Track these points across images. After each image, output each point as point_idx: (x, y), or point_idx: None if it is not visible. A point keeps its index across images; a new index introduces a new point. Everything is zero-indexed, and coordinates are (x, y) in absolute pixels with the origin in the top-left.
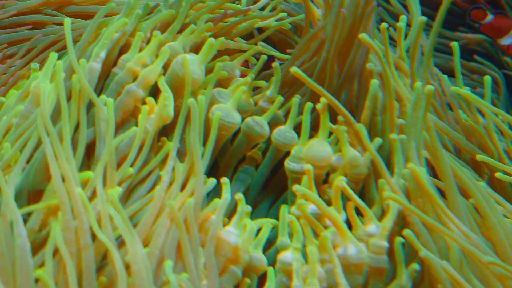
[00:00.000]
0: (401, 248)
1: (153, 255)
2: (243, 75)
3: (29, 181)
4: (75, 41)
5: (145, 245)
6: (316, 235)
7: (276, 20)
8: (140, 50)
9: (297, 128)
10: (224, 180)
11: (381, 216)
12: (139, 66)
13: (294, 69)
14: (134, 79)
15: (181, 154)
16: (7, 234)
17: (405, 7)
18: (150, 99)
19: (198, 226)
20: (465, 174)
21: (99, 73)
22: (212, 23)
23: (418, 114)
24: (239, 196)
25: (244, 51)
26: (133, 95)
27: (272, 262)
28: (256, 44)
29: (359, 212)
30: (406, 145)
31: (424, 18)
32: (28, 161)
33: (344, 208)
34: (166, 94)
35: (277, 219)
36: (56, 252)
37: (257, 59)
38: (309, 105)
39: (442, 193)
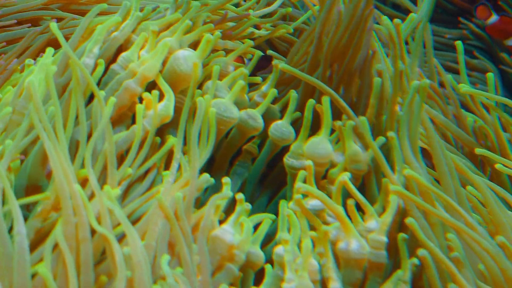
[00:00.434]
0: (405, 243)
1: (150, 247)
2: None
3: (26, 177)
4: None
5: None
6: (315, 230)
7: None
8: (142, 47)
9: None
10: (226, 180)
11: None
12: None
13: (282, 65)
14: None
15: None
16: (3, 232)
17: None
18: (146, 95)
19: (194, 221)
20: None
21: (92, 68)
22: (213, 24)
23: (412, 110)
24: (240, 196)
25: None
26: (131, 91)
27: (271, 258)
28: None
29: (358, 208)
30: (401, 143)
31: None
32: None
33: (344, 204)
34: (168, 94)
35: (276, 214)
36: (56, 246)
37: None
38: (311, 102)
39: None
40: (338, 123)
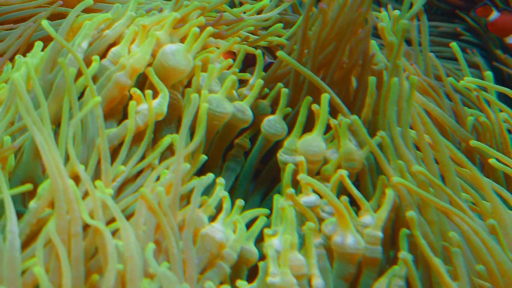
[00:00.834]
0: (406, 239)
1: (139, 238)
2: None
3: (22, 173)
4: None
5: None
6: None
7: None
8: (132, 42)
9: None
10: (220, 180)
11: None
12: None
13: (280, 53)
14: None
15: None
16: None
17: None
18: (134, 91)
19: (181, 218)
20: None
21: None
22: (204, 18)
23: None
24: (224, 193)
25: (233, 52)
26: (121, 84)
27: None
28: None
29: (352, 204)
30: (395, 142)
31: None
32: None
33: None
34: (163, 92)
35: (270, 209)
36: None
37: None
38: (308, 99)
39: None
40: (333, 121)
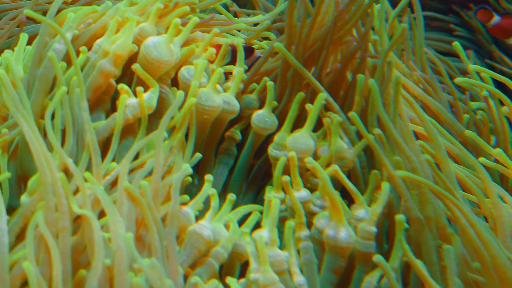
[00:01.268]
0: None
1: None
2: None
3: (18, 167)
4: None
5: None
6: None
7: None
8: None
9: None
10: (208, 177)
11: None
12: (112, 46)
13: (277, 44)
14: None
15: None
16: None
17: None
18: (122, 86)
19: (164, 212)
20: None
21: (64, 54)
22: (189, 7)
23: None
24: (212, 191)
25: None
26: (105, 71)
27: None
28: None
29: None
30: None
31: None
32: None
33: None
34: (154, 87)
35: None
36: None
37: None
38: (300, 95)
39: None
40: (326, 119)
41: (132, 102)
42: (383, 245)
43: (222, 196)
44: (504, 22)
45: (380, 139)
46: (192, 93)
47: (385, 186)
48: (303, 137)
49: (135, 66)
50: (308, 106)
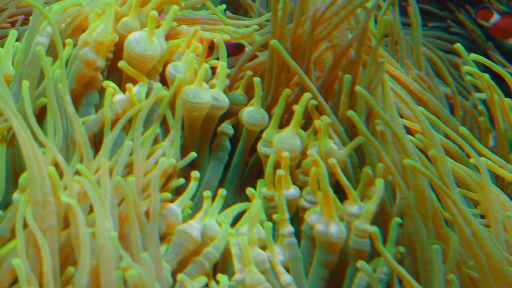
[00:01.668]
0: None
1: None
2: None
3: (16, 163)
4: None
5: None
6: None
7: None
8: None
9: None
10: (195, 174)
11: None
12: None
13: (274, 42)
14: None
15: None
16: None
17: None
18: (108, 83)
19: (145, 208)
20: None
21: (47, 47)
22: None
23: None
24: (207, 193)
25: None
26: (88, 60)
27: None
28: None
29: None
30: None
31: None
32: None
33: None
34: (142, 81)
35: None
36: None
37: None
38: (287, 91)
39: None
40: (317, 122)
41: (121, 97)
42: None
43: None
44: (503, 21)
45: (382, 135)
46: (176, 86)
47: (380, 183)
48: (288, 137)
49: (121, 64)
50: (294, 107)
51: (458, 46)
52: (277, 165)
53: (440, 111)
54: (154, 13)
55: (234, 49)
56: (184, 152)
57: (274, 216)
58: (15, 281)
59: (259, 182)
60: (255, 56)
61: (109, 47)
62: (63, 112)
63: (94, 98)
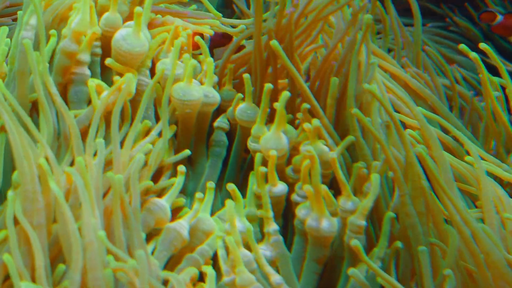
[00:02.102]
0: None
1: None
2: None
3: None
4: None
5: None
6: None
7: None
8: None
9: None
10: (181, 168)
11: None
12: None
13: (273, 42)
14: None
15: None
16: None
17: None
18: (92, 80)
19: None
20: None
21: (33, 41)
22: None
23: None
24: (199, 195)
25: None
26: (67, 50)
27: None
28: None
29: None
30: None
31: None
32: None
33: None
34: (130, 74)
35: None
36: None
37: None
38: (268, 86)
39: None
40: (306, 125)
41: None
42: (372, 236)
43: (217, 188)
44: (506, 20)
45: (387, 129)
46: (158, 76)
47: (375, 179)
48: (273, 138)
49: (108, 61)
50: (275, 105)
51: (462, 46)
52: (264, 163)
53: (439, 108)
54: (139, 9)
55: (222, 39)
56: (180, 150)
57: (258, 212)
58: (7, 277)
59: (250, 178)
60: (241, 47)
61: (92, 39)
62: (52, 106)
63: (84, 95)
